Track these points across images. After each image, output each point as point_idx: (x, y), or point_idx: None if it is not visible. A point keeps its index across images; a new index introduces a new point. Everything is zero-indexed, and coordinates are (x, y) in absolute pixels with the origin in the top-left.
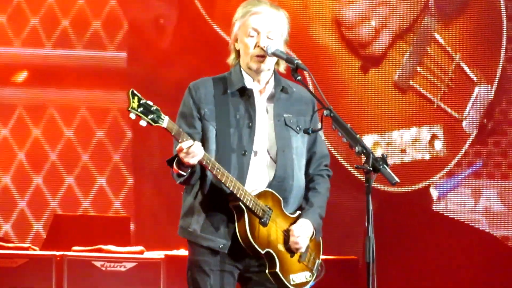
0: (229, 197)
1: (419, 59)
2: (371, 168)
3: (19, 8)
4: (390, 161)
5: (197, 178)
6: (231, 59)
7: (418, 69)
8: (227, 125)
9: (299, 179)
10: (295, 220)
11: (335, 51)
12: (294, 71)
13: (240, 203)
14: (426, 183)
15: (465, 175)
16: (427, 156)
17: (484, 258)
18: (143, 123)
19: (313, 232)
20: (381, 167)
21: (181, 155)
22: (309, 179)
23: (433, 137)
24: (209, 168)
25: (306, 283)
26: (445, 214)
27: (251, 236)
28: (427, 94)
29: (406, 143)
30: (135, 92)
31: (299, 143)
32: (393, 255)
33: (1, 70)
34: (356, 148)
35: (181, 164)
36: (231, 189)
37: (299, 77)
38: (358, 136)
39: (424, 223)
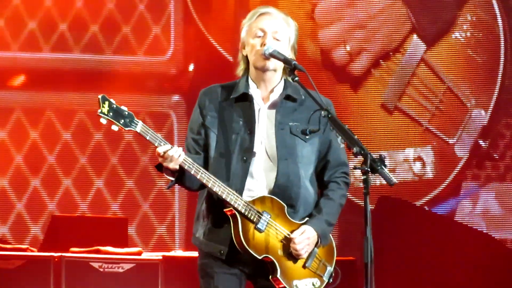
0: (224, 202)
1: (407, 81)
2: (369, 169)
3: (17, 12)
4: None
5: (196, 183)
6: (239, 70)
7: (407, 90)
8: (228, 132)
9: (307, 187)
10: (299, 227)
11: (324, 70)
12: (291, 72)
13: (232, 209)
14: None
15: (458, 200)
16: (415, 178)
17: (482, 260)
18: (115, 127)
19: (318, 239)
20: (379, 168)
21: (159, 159)
22: (324, 186)
23: (420, 159)
24: (192, 172)
25: None
26: (444, 216)
27: (245, 241)
28: (415, 116)
29: (395, 164)
30: (106, 97)
31: (306, 152)
32: (391, 256)
33: None
34: (354, 149)
35: (166, 169)
36: (219, 194)
37: (296, 78)
38: (355, 137)
39: (422, 224)
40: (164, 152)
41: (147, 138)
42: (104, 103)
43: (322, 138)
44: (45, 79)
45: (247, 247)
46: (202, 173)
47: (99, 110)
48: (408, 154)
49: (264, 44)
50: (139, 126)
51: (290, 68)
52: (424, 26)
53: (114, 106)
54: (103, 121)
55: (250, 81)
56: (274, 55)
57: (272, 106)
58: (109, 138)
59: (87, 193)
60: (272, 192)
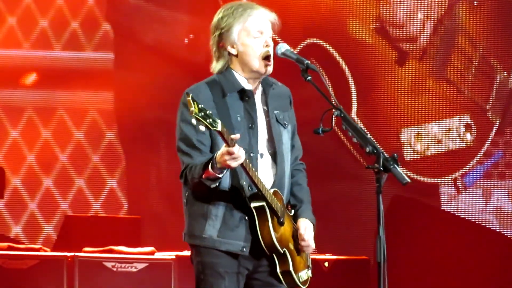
0: (250, 198)
1: (450, 50)
2: (382, 168)
3: (29, 11)
4: (428, 153)
5: (224, 181)
6: (219, 65)
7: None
8: (230, 128)
9: (289, 175)
10: (294, 218)
11: (372, 46)
12: (304, 71)
13: (265, 204)
14: (459, 173)
15: (489, 164)
16: (461, 145)
17: (495, 257)
18: (202, 128)
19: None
20: (391, 167)
21: (226, 158)
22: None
23: (466, 126)
24: (247, 169)
25: (308, 279)
26: (456, 214)
27: (275, 236)
28: (458, 84)
29: (441, 134)
30: (194, 97)
31: (287, 139)
32: (404, 255)
33: (10, 72)
34: (367, 148)
35: (217, 168)
36: (260, 189)
37: (309, 77)
38: (368, 136)
39: (435, 223)
40: (236, 152)
41: (224, 136)
42: (194, 103)
43: (293, 124)
44: (56, 78)
45: (275, 242)
46: (252, 169)
47: (192, 110)
48: (453, 122)
49: (267, 46)
50: (219, 125)
51: (302, 68)
52: None
53: (201, 106)
54: (193, 121)
55: (238, 76)
56: (286, 55)
57: (262, 98)
58: (121, 137)
59: (100, 192)
60: (274, 183)
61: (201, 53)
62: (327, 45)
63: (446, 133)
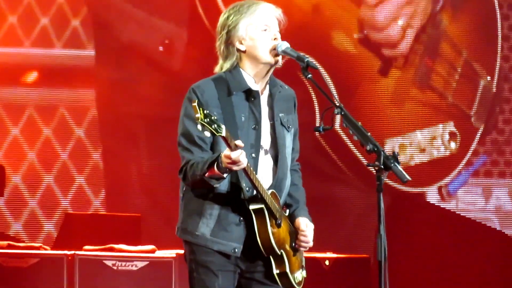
0: (250, 200)
1: (434, 57)
2: (382, 166)
3: (29, 9)
4: (412, 162)
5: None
6: (227, 64)
7: (434, 66)
8: (234, 128)
9: (289, 177)
10: (290, 218)
11: (354, 56)
12: (304, 69)
13: (264, 206)
14: (444, 181)
15: (473, 170)
16: (445, 153)
17: (495, 256)
18: (207, 133)
19: None
20: (392, 165)
21: (228, 161)
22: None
23: (450, 134)
24: (248, 173)
25: (302, 280)
26: (457, 213)
27: (273, 238)
28: (442, 91)
29: (425, 142)
30: (199, 103)
31: (289, 142)
32: (404, 253)
33: (11, 70)
34: (368, 146)
35: (222, 168)
36: (260, 192)
37: (309, 75)
38: (369, 134)
39: (435, 222)
40: (237, 157)
41: (228, 141)
42: (200, 109)
43: (295, 127)
44: (57, 76)
45: (273, 244)
46: (253, 173)
47: (198, 116)
48: (437, 130)
49: (276, 39)
50: (224, 131)
51: (303, 66)
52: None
53: (206, 111)
54: (199, 127)
55: (245, 75)
56: (287, 52)
57: (268, 100)
58: (122, 135)
59: (100, 190)
60: (273, 185)
61: (176, 59)
62: (309, 57)
63: (430, 141)
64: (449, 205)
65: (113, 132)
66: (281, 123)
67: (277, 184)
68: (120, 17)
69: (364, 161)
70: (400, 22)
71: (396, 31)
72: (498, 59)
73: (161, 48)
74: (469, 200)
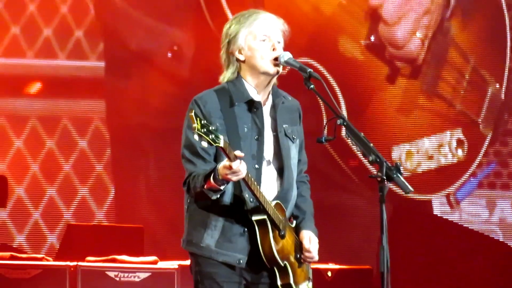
0: (252, 211)
1: (442, 64)
2: (384, 177)
3: (32, 20)
4: (420, 170)
5: (226, 193)
6: (228, 73)
7: (442, 74)
8: (237, 139)
9: (295, 188)
10: (296, 230)
11: (362, 63)
12: (306, 79)
13: (266, 217)
14: (451, 188)
15: (481, 178)
16: (453, 161)
17: (498, 267)
18: (204, 144)
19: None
20: (394, 175)
21: (227, 172)
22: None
23: (458, 142)
24: (249, 184)
25: None
26: (459, 224)
27: (275, 250)
28: (450, 99)
29: (433, 150)
30: (197, 113)
31: (295, 153)
32: (408, 262)
33: (14, 81)
34: (370, 157)
35: (219, 180)
36: (262, 202)
37: (312, 86)
38: (371, 144)
39: (439, 233)
40: (237, 167)
41: (226, 152)
42: (197, 119)
43: (301, 138)
44: (60, 87)
45: (276, 255)
46: (254, 183)
47: (195, 126)
48: (445, 137)
49: (275, 49)
50: (222, 141)
51: (305, 76)
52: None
53: (203, 121)
54: (196, 137)
55: (247, 85)
56: (289, 63)
57: (271, 110)
58: (129, 145)
59: (103, 201)
60: (278, 196)
61: (185, 65)
62: (317, 64)
63: (437, 148)
64: (453, 216)
65: (120, 142)
66: (285, 134)
67: (282, 195)
68: (128, 25)
69: (373, 170)
70: (412, 32)
71: (407, 42)
72: (507, 67)
73: (169, 55)
74: (473, 212)
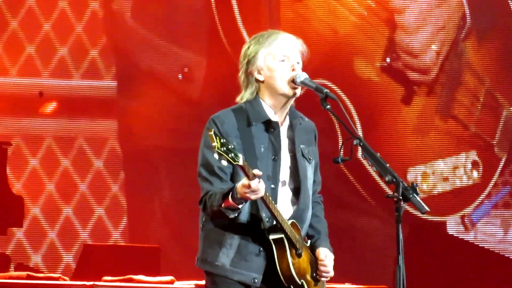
0: (269, 230)
1: (456, 86)
2: (401, 197)
3: (48, 39)
4: (435, 191)
5: (243, 211)
6: (247, 94)
7: (456, 95)
8: (253, 158)
9: (311, 208)
10: (311, 249)
11: (377, 84)
12: (323, 100)
13: (283, 236)
14: (466, 210)
15: (496, 200)
16: (468, 183)
17: None
18: (224, 162)
19: None
20: (411, 196)
21: (246, 190)
22: None
23: (473, 164)
24: (267, 202)
25: None
26: (475, 243)
27: (293, 268)
28: (465, 121)
29: (448, 171)
30: (216, 132)
31: (311, 174)
32: (424, 282)
33: (30, 100)
34: (386, 177)
35: (237, 199)
36: (280, 221)
37: (328, 106)
38: (387, 165)
39: (454, 253)
40: (256, 185)
41: (245, 170)
42: (216, 138)
43: (316, 159)
44: (76, 106)
45: (294, 274)
46: (271, 202)
47: (215, 145)
48: (460, 160)
49: (294, 70)
50: (241, 160)
51: (321, 97)
52: (477, 25)
53: (223, 140)
54: (216, 156)
55: (265, 106)
56: (306, 83)
57: (288, 131)
58: (143, 165)
59: (120, 221)
60: (292, 216)
61: (195, 86)
62: (332, 85)
63: (452, 170)
64: (468, 236)
65: (134, 162)
66: (302, 155)
67: (298, 215)
68: (139, 45)
69: (388, 190)
70: (427, 52)
71: (422, 62)
72: None
73: (180, 76)
74: (488, 231)
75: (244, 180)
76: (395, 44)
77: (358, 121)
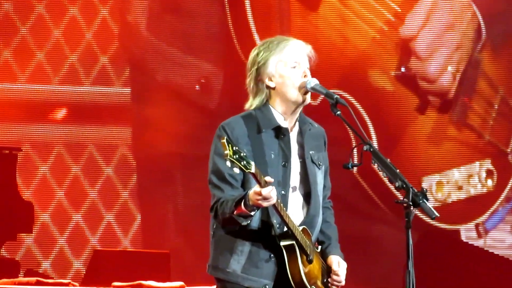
0: (280, 236)
1: (471, 95)
2: (411, 203)
3: (58, 46)
4: (450, 200)
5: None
6: (256, 101)
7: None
8: (264, 165)
9: (321, 214)
10: (322, 255)
11: (392, 93)
12: (333, 106)
13: (295, 242)
14: (480, 219)
15: (510, 208)
16: (482, 191)
17: None
18: (236, 170)
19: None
20: (421, 201)
21: (258, 197)
22: None
23: (487, 172)
24: (279, 209)
25: None
26: (485, 249)
27: (304, 274)
28: (479, 129)
29: (462, 180)
30: (229, 140)
31: (321, 179)
32: None
33: (40, 107)
34: (396, 183)
35: (249, 206)
36: (291, 228)
37: (338, 112)
38: (397, 170)
39: (464, 258)
40: (268, 193)
41: (258, 177)
42: (229, 145)
43: (326, 165)
44: (86, 113)
45: (305, 281)
46: (283, 209)
47: (227, 153)
48: (474, 168)
49: (306, 76)
50: (253, 167)
51: (332, 103)
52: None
53: (235, 148)
54: (228, 163)
55: (275, 112)
56: (316, 89)
57: (298, 137)
58: (150, 172)
59: (129, 228)
60: (304, 222)
61: (212, 96)
62: (346, 94)
63: (467, 179)
64: (478, 242)
65: (146, 168)
66: (312, 161)
67: (308, 221)
68: (156, 57)
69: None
70: (442, 63)
71: (438, 73)
72: None
73: (197, 87)
74: (498, 237)
75: (256, 187)
76: (410, 54)
77: (373, 131)
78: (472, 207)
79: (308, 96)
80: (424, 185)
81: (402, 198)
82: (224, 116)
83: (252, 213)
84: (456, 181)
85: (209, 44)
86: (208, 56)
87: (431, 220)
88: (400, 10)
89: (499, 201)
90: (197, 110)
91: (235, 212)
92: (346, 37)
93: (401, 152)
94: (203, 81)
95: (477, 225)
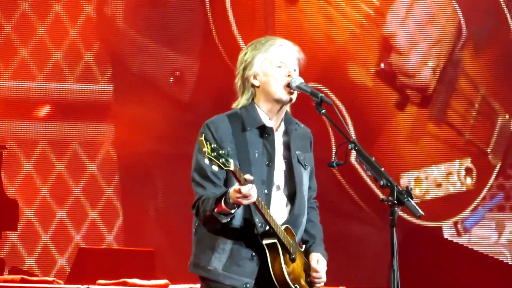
0: (262, 235)
1: (451, 93)
2: (395, 201)
3: (42, 43)
4: (428, 197)
5: (236, 216)
6: (243, 99)
7: (450, 102)
8: (248, 164)
9: (306, 214)
10: (305, 254)
11: (372, 90)
12: (318, 104)
13: (277, 241)
14: (459, 216)
15: (489, 207)
16: (462, 189)
17: None
18: (215, 167)
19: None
20: (405, 200)
21: (238, 195)
22: None
23: (467, 170)
24: (259, 207)
25: None
26: (469, 247)
27: (286, 273)
28: (459, 128)
29: (441, 178)
30: (207, 137)
31: (306, 179)
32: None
33: (24, 104)
34: (381, 181)
35: (230, 204)
36: (273, 226)
37: (323, 111)
38: (382, 169)
39: (448, 256)
40: (248, 191)
41: (237, 175)
42: (207, 143)
43: (311, 166)
44: (70, 110)
45: (287, 279)
46: (264, 208)
47: (205, 150)
48: (454, 166)
49: (290, 76)
50: (232, 164)
51: (316, 101)
52: (474, 34)
53: (213, 145)
54: (206, 161)
55: (260, 111)
56: (301, 88)
57: (283, 136)
58: (132, 170)
59: (114, 225)
60: (288, 221)
61: (186, 91)
62: (326, 89)
63: (446, 177)
64: (462, 240)
65: (128, 165)
66: (298, 161)
67: (292, 220)
68: (132, 49)
69: (381, 195)
70: (422, 59)
71: (417, 69)
72: None
73: (171, 80)
74: (482, 234)
75: (236, 185)
76: (390, 49)
77: (352, 126)
78: (450, 205)
79: (294, 95)
80: (403, 181)
81: (386, 197)
82: (203, 113)
83: (233, 211)
84: (435, 178)
85: (186, 37)
86: (184, 49)
87: (412, 218)
88: (379, 5)
89: (478, 200)
90: (173, 105)
91: (215, 210)
92: (326, 32)
93: (380, 148)
94: (177, 73)
95: (455, 223)
